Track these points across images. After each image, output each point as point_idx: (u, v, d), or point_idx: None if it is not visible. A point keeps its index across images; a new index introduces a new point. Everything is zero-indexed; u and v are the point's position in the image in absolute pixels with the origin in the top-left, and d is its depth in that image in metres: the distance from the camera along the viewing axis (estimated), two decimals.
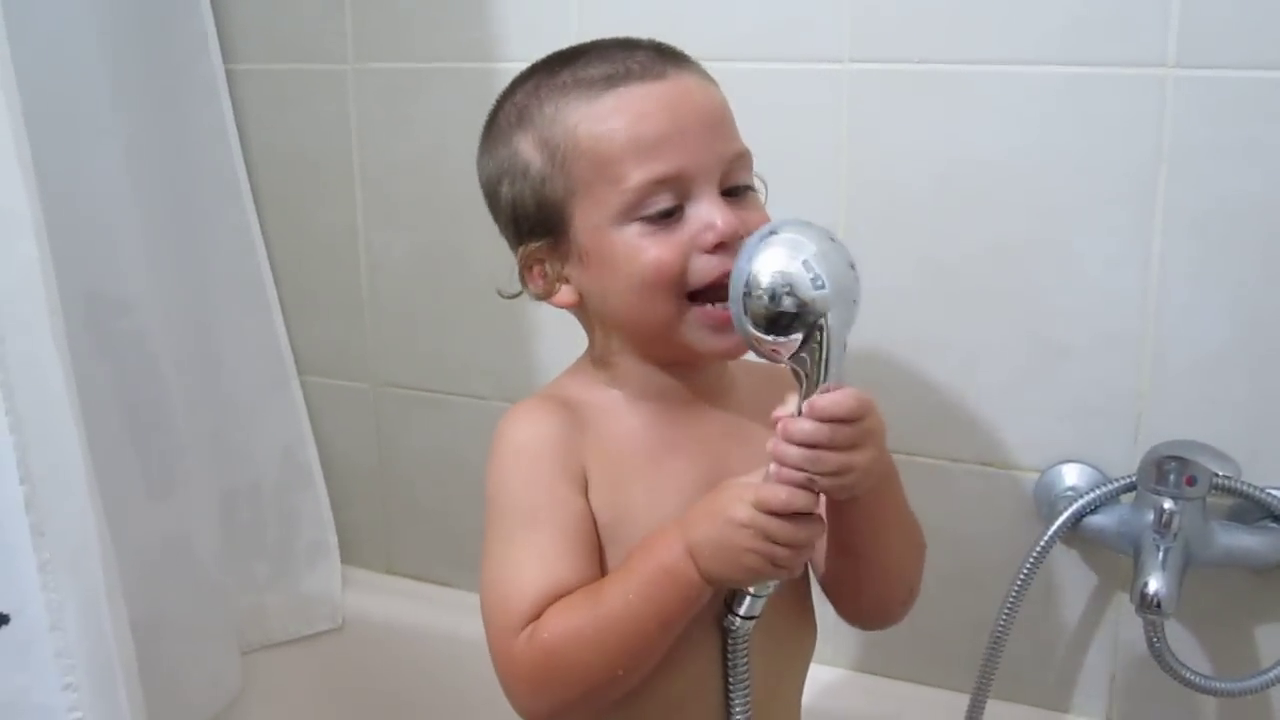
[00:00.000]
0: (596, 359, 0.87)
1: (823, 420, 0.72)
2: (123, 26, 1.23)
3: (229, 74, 1.35)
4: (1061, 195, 1.05)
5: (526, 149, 0.81)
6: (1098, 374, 1.07)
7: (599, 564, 0.81)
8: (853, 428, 0.72)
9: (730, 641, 0.82)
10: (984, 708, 1.07)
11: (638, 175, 0.77)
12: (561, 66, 0.82)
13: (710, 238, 0.77)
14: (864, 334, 1.13)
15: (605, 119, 0.78)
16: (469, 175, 1.29)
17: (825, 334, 0.72)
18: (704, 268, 0.78)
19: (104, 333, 1.19)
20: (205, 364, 1.36)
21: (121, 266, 1.22)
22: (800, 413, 0.73)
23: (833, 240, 0.73)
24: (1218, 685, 1.03)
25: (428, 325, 1.37)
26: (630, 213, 0.78)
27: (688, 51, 0.84)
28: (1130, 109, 1.00)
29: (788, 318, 0.71)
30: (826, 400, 0.72)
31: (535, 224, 0.82)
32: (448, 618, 1.36)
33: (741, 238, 0.77)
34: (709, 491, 0.78)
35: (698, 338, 0.79)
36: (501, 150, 0.84)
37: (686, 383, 0.84)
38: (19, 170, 0.89)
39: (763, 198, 0.83)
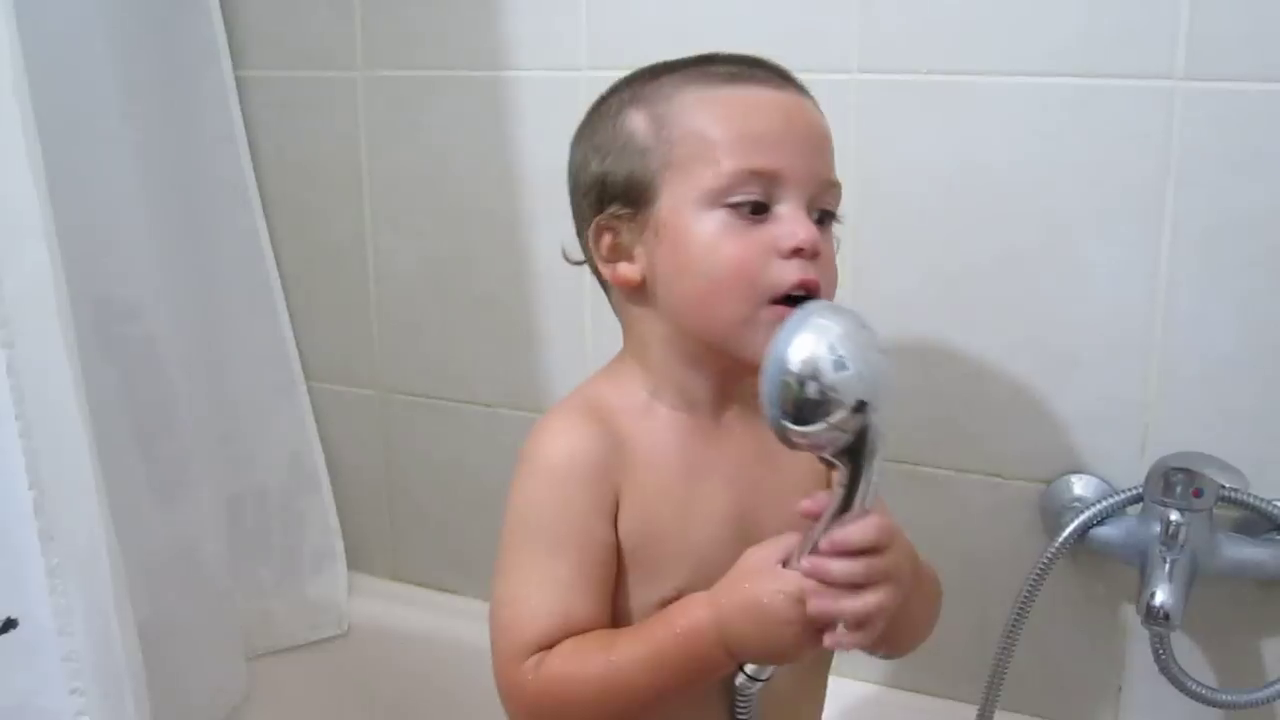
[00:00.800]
0: (638, 359, 0.85)
1: (848, 554, 0.71)
2: (133, 33, 1.23)
3: (239, 80, 1.35)
4: (1069, 206, 1.05)
5: (634, 121, 0.81)
6: (1105, 385, 1.07)
7: (613, 597, 0.80)
8: (882, 558, 0.72)
9: (739, 698, 0.81)
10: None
11: (735, 162, 0.77)
12: (685, 64, 0.83)
13: (790, 242, 0.76)
14: None
15: (722, 104, 0.79)
16: (477, 183, 1.31)
17: (867, 433, 0.70)
18: (781, 273, 0.77)
19: (112, 338, 1.20)
20: (213, 369, 1.36)
21: (130, 272, 1.22)
22: (827, 525, 0.72)
23: (864, 326, 0.70)
24: (1224, 698, 1.03)
25: (435, 332, 1.37)
26: (719, 198, 0.77)
27: None
28: (1139, 121, 1.01)
29: (812, 404, 0.68)
30: (845, 535, 0.71)
31: (620, 193, 0.81)
32: (453, 624, 1.36)
33: (818, 255, 0.77)
34: (737, 529, 0.78)
35: (759, 345, 0.74)
36: (603, 128, 0.83)
37: (726, 393, 0.83)
38: (30, 176, 0.89)
39: (837, 246, 0.83)
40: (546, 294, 1.28)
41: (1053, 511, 1.09)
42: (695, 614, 0.75)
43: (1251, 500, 0.99)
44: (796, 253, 0.77)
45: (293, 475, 1.43)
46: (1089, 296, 1.06)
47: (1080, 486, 1.09)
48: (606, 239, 0.83)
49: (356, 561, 1.48)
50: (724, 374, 0.83)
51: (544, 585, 0.78)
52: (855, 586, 0.71)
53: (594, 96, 0.87)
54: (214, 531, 1.34)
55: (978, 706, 1.07)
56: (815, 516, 0.73)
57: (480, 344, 1.35)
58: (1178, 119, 0.99)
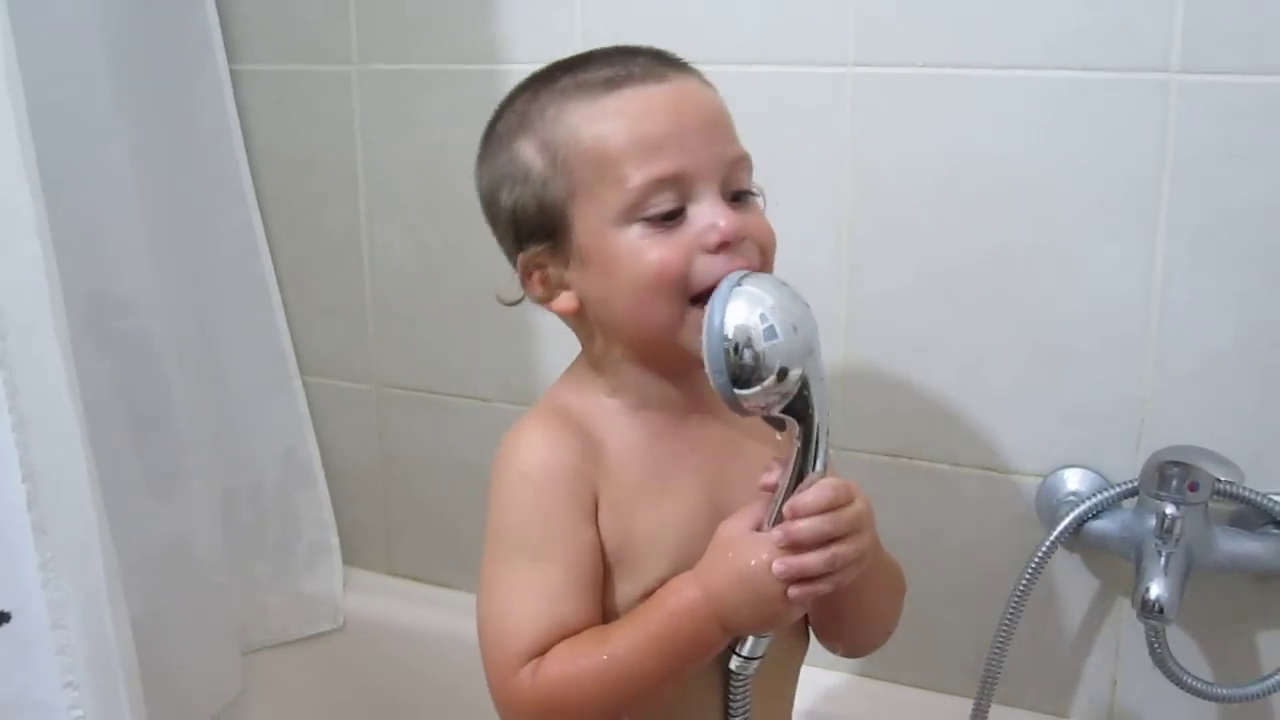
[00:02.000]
0: (595, 366, 0.85)
1: (810, 515, 0.74)
2: (127, 26, 1.23)
3: (234, 74, 1.35)
4: (1065, 200, 1.05)
5: (527, 153, 0.81)
6: (1100, 379, 1.07)
7: (601, 597, 0.80)
8: (847, 510, 0.75)
9: (735, 681, 0.82)
10: (987, 714, 1.07)
11: (640, 175, 0.76)
12: (561, 73, 0.82)
13: (714, 237, 0.76)
14: (867, 338, 1.14)
15: (607, 119, 0.78)
16: (472, 177, 1.30)
17: (808, 393, 0.74)
18: (708, 268, 0.77)
19: (107, 332, 1.19)
20: (208, 364, 1.36)
21: (124, 266, 1.22)
22: (790, 488, 0.75)
23: (785, 285, 0.75)
24: (1219, 691, 1.03)
25: (430, 326, 1.37)
26: (632, 213, 0.77)
27: (691, 55, 0.84)
28: (1134, 114, 1.00)
29: (749, 368, 0.72)
30: (804, 500, 0.74)
31: (536, 228, 0.81)
32: (448, 619, 1.36)
33: (744, 239, 0.77)
34: (710, 517, 0.79)
35: (695, 342, 0.77)
36: (501, 156, 0.83)
37: (683, 391, 0.84)
38: (23, 170, 0.89)
39: (762, 205, 0.83)
40: None
41: (1048, 505, 1.09)
42: (686, 594, 0.76)
43: (1247, 494, 1.00)
44: (723, 246, 0.77)
45: (288, 470, 1.43)
46: (1085, 290, 1.06)
47: (1076, 480, 1.09)
48: (535, 275, 0.83)
49: (352, 556, 1.48)
50: (677, 373, 0.83)
51: (533, 593, 0.78)
52: (827, 542, 0.74)
53: None
54: (209, 526, 1.34)
55: (973, 700, 1.07)
56: (775, 487, 0.76)
57: (475, 338, 1.34)
58: (1173, 112, 0.99)
